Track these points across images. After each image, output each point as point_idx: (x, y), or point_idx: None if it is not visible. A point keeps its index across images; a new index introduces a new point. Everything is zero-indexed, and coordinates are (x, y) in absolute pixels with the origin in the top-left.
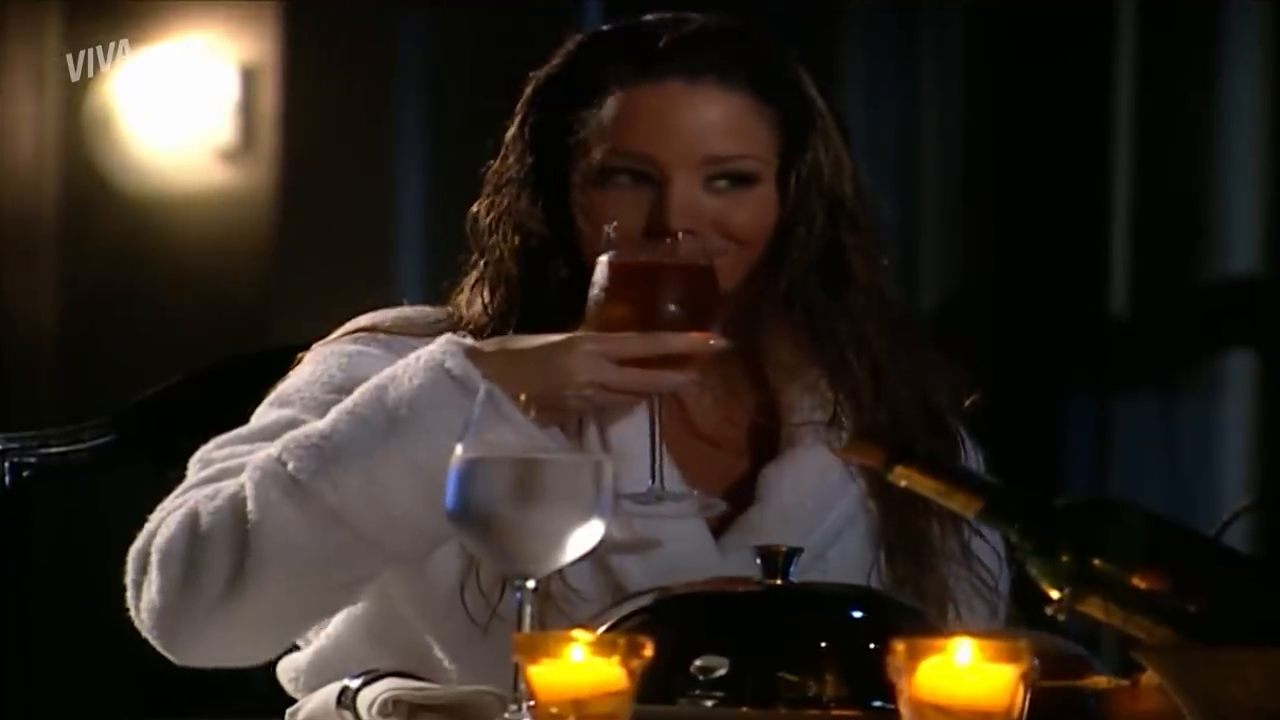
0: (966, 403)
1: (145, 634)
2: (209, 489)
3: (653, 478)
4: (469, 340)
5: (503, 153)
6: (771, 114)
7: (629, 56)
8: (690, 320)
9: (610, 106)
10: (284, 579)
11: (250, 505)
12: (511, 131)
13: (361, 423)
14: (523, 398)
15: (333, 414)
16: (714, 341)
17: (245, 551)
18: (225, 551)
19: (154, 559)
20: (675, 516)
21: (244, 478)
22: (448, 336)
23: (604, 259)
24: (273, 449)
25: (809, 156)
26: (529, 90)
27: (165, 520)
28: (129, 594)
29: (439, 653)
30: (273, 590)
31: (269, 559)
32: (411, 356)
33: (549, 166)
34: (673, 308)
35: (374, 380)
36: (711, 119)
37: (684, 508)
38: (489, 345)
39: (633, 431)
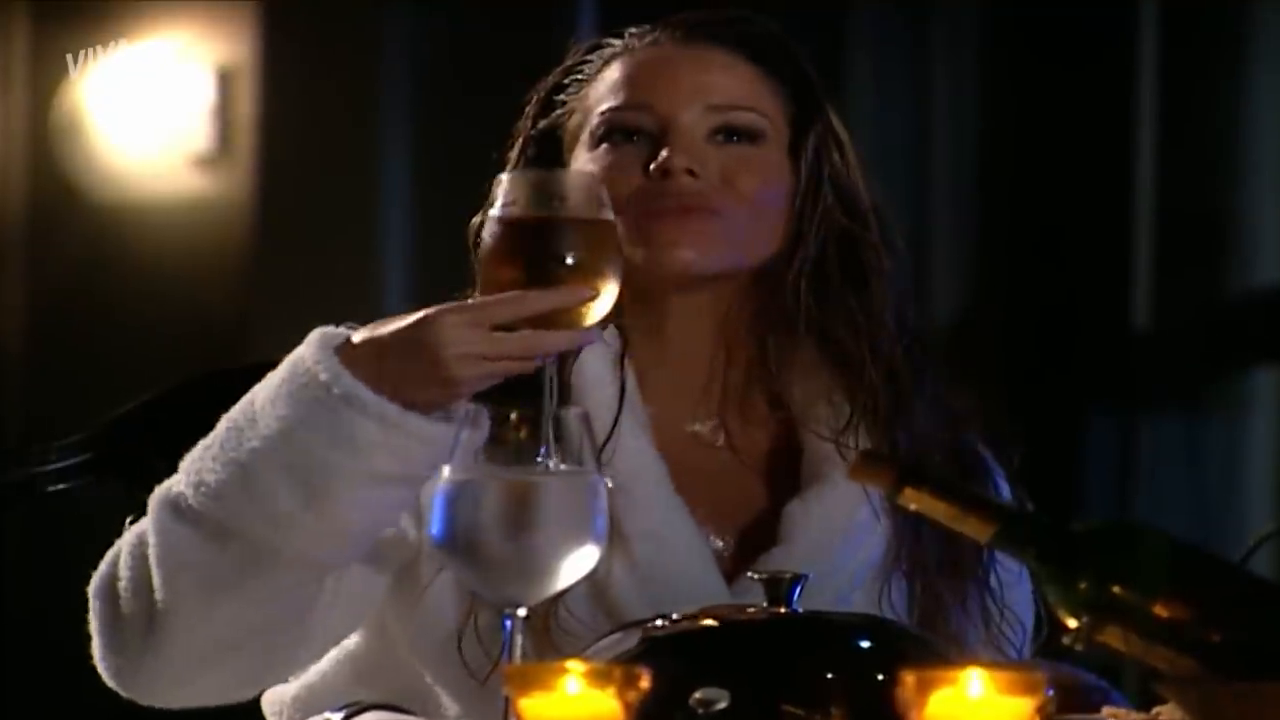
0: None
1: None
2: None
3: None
4: (341, 330)
5: (510, 166)
6: (776, 83)
7: (623, 39)
8: (583, 278)
9: (606, 75)
10: (196, 602)
11: (151, 536)
12: (516, 146)
13: (234, 428)
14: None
15: (220, 423)
16: (588, 294)
17: (153, 582)
18: (137, 584)
19: (90, 601)
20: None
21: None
22: (319, 330)
23: (493, 213)
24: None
25: (817, 133)
26: (532, 105)
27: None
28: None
29: (441, 695)
30: (190, 616)
31: (173, 584)
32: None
33: None
34: (567, 262)
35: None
36: (713, 75)
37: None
38: (361, 333)
39: (638, 471)
